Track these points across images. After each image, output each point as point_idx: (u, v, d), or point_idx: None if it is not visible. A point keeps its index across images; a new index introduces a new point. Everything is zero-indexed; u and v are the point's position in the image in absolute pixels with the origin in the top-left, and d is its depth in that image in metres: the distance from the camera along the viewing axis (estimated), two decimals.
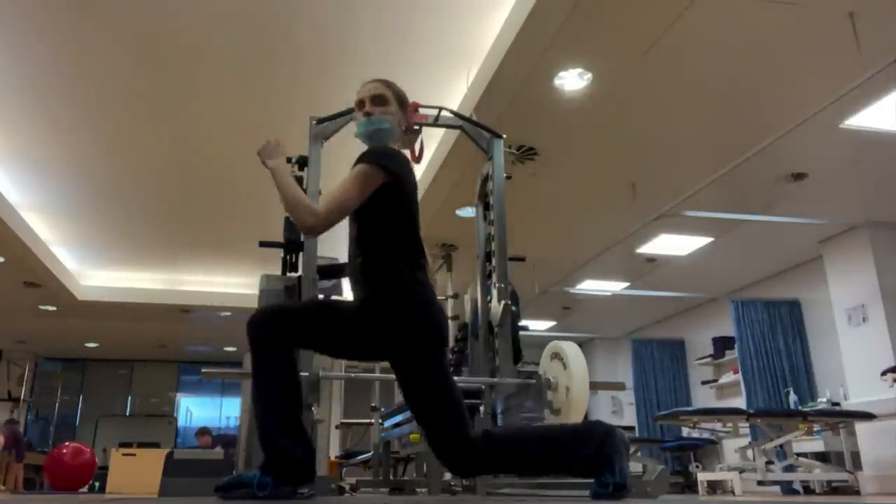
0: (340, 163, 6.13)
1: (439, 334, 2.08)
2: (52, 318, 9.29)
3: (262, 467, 1.98)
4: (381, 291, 2.06)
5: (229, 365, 11.04)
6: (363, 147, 2.18)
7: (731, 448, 7.29)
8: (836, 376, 6.75)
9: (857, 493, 5.64)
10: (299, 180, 3.39)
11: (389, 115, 2.19)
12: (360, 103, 2.21)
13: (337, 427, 7.34)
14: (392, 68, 4.49)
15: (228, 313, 9.10)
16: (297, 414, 2.05)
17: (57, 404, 11.98)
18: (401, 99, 2.25)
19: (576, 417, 3.05)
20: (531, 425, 1.99)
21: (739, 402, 7.17)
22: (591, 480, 2.01)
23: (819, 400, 6.81)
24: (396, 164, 2.10)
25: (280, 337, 2.04)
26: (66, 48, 4.30)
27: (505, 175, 3.66)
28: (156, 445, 9.38)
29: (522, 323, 3.65)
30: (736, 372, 7.81)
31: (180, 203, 6.42)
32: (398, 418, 4.09)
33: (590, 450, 1.99)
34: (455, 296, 5.12)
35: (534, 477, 2.36)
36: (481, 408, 3.29)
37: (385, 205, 2.08)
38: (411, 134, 2.43)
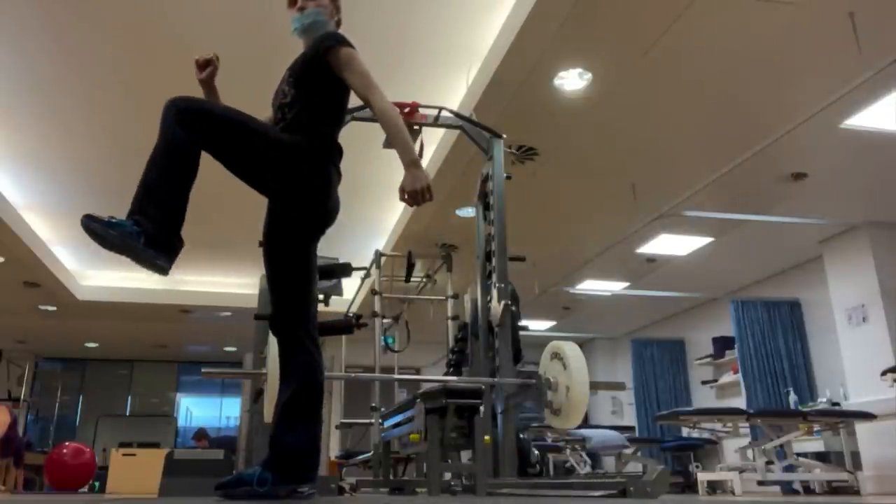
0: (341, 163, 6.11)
1: (327, 215, 2.18)
2: (52, 318, 9.29)
3: (263, 463, 1.98)
4: (311, 142, 2.12)
5: (229, 365, 11.06)
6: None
7: (731, 448, 7.30)
8: (836, 376, 6.75)
9: (857, 493, 5.64)
10: None
11: (322, 7, 2.32)
12: (292, 1, 2.36)
13: (337, 427, 7.34)
14: (392, 68, 4.50)
15: (228, 313, 9.10)
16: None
17: (57, 404, 11.98)
18: None
19: (576, 417, 3.05)
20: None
21: (739, 402, 7.17)
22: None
23: (819, 400, 6.81)
24: None
25: (197, 127, 2.11)
26: (66, 48, 4.30)
27: (505, 175, 3.66)
28: (156, 445, 9.36)
29: (522, 323, 3.65)
30: (736, 372, 7.81)
31: None
32: (398, 418, 4.09)
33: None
34: (455, 296, 5.12)
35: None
36: (481, 408, 3.29)
37: (332, 85, 2.17)
38: (411, 133, 2.47)
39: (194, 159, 2.08)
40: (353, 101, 2.31)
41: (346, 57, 2.13)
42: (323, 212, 2.15)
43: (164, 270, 2.01)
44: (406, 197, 2.07)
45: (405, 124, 2.38)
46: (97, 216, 1.89)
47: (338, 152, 2.22)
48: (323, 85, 2.17)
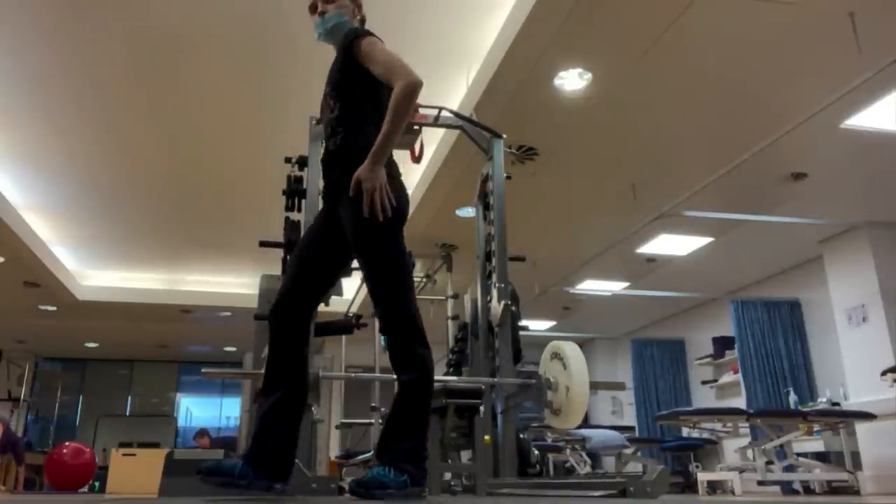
0: None
1: (406, 209, 2.15)
2: (52, 318, 9.29)
3: (245, 456, 1.99)
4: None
5: (229, 365, 11.07)
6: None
7: (731, 448, 7.30)
8: (836, 376, 6.75)
9: (857, 493, 5.64)
10: (299, 180, 3.40)
11: (342, 8, 2.30)
12: (313, 7, 2.34)
13: (337, 427, 7.34)
14: None
15: (228, 313, 9.10)
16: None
17: (57, 404, 11.98)
18: None
19: (576, 417, 3.05)
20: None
21: (739, 402, 7.17)
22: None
23: (819, 400, 6.81)
24: None
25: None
26: (66, 48, 4.30)
27: (505, 175, 3.66)
28: (156, 445, 9.36)
29: (522, 323, 3.65)
30: (736, 372, 7.81)
31: (180, 203, 6.42)
32: None
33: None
34: (455, 296, 5.12)
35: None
36: (481, 408, 3.28)
37: (371, 82, 2.13)
38: (411, 133, 2.47)
39: None
40: None
41: (366, 46, 2.10)
42: (403, 209, 2.13)
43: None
44: (356, 186, 2.00)
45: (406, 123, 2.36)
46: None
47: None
48: (360, 84, 2.15)
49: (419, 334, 2.05)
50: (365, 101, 2.15)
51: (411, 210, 6.97)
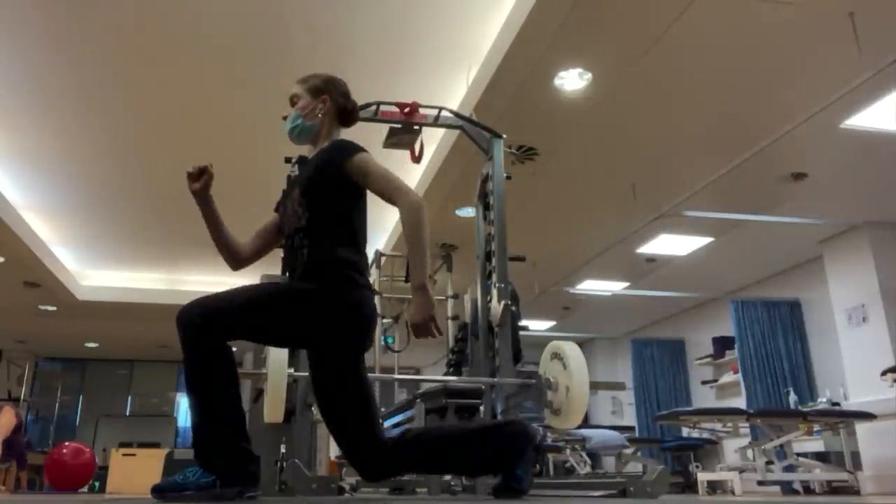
0: None
1: (366, 335, 2.06)
2: (52, 318, 9.29)
3: (205, 467, 1.89)
4: (329, 282, 2.00)
5: None
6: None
7: (731, 448, 7.30)
8: (836, 376, 6.75)
9: (857, 493, 5.64)
10: None
11: (301, 109, 2.23)
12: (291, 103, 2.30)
13: None
14: (392, 68, 4.50)
15: None
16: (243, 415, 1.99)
17: (57, 404, 11.97)
18: (315, 88, 2.25)
19: (576, 417, 3.05)
20: (442, 425, 2.00)
21: (739, 402, 7.17)
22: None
23: (819, 400, 6.81)
24: None
25: (219, 333, 1.93)
26: (66, 48, 4.30)
27: (505, 175, 3.66)
28: (156, 445, 9.37)
29: (522, 323, 3.65)
30: (736, 372, 7.81)
31: (180, 203, 6.41)
32: (398, 418, 4.09)
33: (498, 447, 2.05)
34: (455, 296, 5.11)
35: (447, 474, 2.37)
36: (481, 408, 3.29)
37: (352, 196, 2.09)
38: (411, 133, 2.45)
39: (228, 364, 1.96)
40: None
41: (361, 163, 2.04)
42: (361, 338, 2.05)
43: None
44: (410, 329, 1.97)
45: (406, 123, 2.35)
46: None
47: (362, 264, 2.09)
48: (337, 199, 2.07)
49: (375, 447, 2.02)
50: (336, 217, 2.07)
51: None
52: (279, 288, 2.10)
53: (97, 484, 8.41)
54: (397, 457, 2.02)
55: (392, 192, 1.99)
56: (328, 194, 2.08)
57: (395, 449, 2.02)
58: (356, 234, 2.11)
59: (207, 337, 1.90)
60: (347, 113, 2.28)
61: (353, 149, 2.08)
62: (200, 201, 2.17)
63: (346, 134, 2.28)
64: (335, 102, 2.24)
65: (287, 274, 2.17)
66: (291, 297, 2.00)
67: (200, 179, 2.14)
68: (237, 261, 2.32)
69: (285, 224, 2.18)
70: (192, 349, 1.90)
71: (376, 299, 5.12)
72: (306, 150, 3.26)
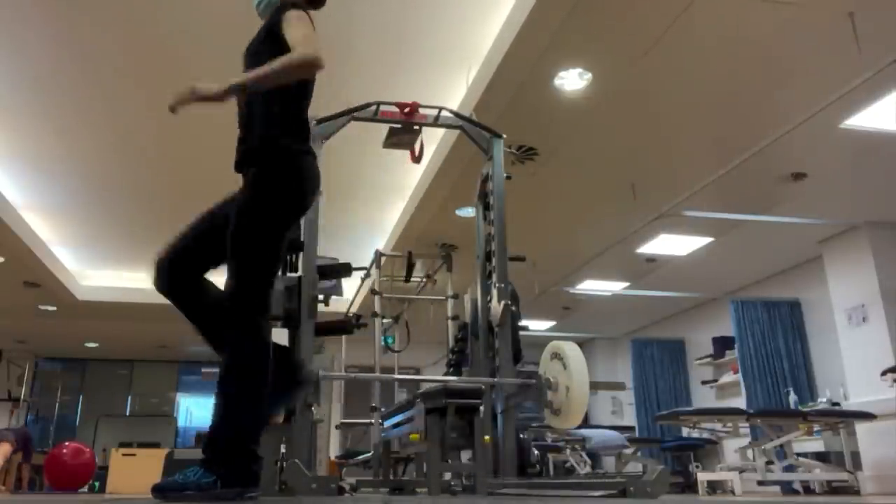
0: (341, 163, 6.16)
1: (305, 196, 2.10)
2: (52, 318, 9.29)
3: (206, 467, 1.87)
4: (266, 165, 2.08)
5: None
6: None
7: (731, 448, 7.30)
8: (836, 376, 6.75)
9: (857, 493, 5.64)
10: None
11: None
12: None
13: (337, 427, 7.34)
14: (392, 68, 4.50)
15: None
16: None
17: (57, 404, 11.97)
18: None
19: (576, 417, 3.05)
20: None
21: (739, 402, 7.17)
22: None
23: (819, 400, 6.81)
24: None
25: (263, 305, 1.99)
26: (66, 48, 4.30)
27: (505, 175, 3.66)
28: (156, 445, 9.37)
29: (522, 323, 3.65)
30: (736, 372, 7.81)
31: (180, 203, 6.42)
32: (398, 418, 4.08)
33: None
34: (455, 296, 5.11)
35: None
36: (481, 408, 3.28)
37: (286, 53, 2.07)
38: (411, 133, 2.44)
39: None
40: (351, 102, 2.31)
41: (294, 16, 2.07)
42: (299, 205, 2.09)
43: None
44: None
45: (406, 123, 2.35)
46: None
47: (302, 131, 2.15)
48: (275, 53, 2.03)
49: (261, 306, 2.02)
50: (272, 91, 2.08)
51: (411, 210, 6.94)
52: (248, 208, 2.11)
53: (97, 484, 8.41)
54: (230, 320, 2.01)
55: (300, 42, 1.98)
56: (267, 48, 2.10)
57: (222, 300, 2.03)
58: (290, 106, 2.15)
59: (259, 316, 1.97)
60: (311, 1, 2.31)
61: (293, 5, 2.11)
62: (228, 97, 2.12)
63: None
64: None
65: (240, 135, 2.23)
66: (261, 205, 2.06)
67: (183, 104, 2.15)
68: None
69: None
70: (236, 335, 1.97)
71: (376, 300, 5.13)
72: None
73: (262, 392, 1.94)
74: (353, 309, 6.16)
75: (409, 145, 3.74)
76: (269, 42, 2.12)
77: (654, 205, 5.73)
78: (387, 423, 4.36)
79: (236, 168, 2.14)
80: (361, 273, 5.37)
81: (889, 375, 5.56)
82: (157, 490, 1.85)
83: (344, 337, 6.05)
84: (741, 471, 5.62)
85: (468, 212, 5.92)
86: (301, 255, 3.25)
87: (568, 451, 7.29)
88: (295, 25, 2.04)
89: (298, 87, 2.14)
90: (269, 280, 2.05)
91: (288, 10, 2.09)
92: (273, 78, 1.95)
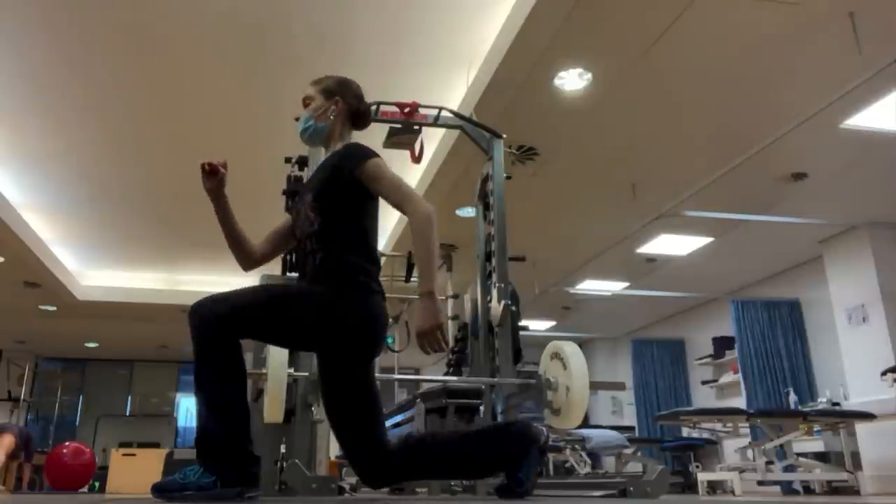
0: None
1: (378, 343, 2.07)
2: (52, 318, 9.29)
3: (205, 467, 1.88)
4: (343, 287, 2.00)
5: None
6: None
7: (731, 448, 7.29)
8: (836, 376, 6.75)
9: (857, 493, 5.64)
10: (299, 180, 3.40)
11: (314, 110, 2.21)
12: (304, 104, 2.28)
13: None
14: (392, 68, 4.50)
15: None
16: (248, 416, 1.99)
17: (57, 404, 11.97)
18: (328, 90, 2.23)
19: (576, 417, 3.05)
20: (443, 430, 2.00)
21: (739, 402, 7.17)
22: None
23: (819, 400, 6.81)
24: None
25: (236, 329, 1.94)
26: (65, 48, 4.30)
27: (505, 175, 3.66)
28: (156, 445, 9.37)
29: (522, 323, 3.65)
30: (736, 372, 7.81)
31: (180, 203, 6.42)
32: (398, 418, 4.09)
33: (500, 449, 2.05)
34: (455, 296, 5.12)
35: (451, 479, 2.36)
36: (481, 408, 3.29)
37: (364, 202, 2.08)
38: (411, 133, 2.43)
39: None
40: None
41: (373, 168, 2.02)
42: (373, 345, 2.06)
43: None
44: (416, 338, 1.91)
45: (406, 123, 2.34)
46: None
47: (374, 269, 2.11)
48: (350, 204, 2.06)
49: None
50: (348, 222, 2.06)
51: None
52: (295, 290, 2.10)
53: (97, 484, 8.41)
54: (399, 462, 2.01)
55: (402, 201, 1.98)
56: (340, 199, 2.06)
57: (396, 454, 2.01)
58: (368, 239, 2.11)
59: (223, 333, 1.91)
60: (360, 115, 2.27)
61: (367, 153, 2.07)
62: (215, 200, 2.17)
63: (357, 136, 2.27)
64: (348, 104, 2.23)
65: (299, 278, 2.17)
66: (307, 300, 2.00)
67: (216, 178, 2.14)
68: (249, 261, 2.29)
69: (297, 228, 2.16)
70: (206, 344, 1.91)
71: None
72: (307, 151, 3.25)
73: (243, 390, 1.96)
74: None
75: (409, 145, 3.74)
76: (343, 190, 2.06)
77: (654, 205, 5.73)
78: (387, 423, 4.36)
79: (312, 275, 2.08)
80: None
81: (889, 375, 5.55)
82: (157, 490, 1.86)
83: None
84: (741, 471, 5.61)
85: (468, 212, 5.92)
86: None
87: (568, 451, 7.29)
88: (384, 181, 2.02)
89: (372, 204, 2.11)
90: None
91: (363, 162, 2.04)
92: (435, 256, 1.97)
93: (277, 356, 2.79)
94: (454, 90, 4.65)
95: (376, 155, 2.07)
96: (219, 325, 1.90)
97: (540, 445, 2.05)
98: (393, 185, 2.01)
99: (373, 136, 3.97)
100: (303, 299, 2.01)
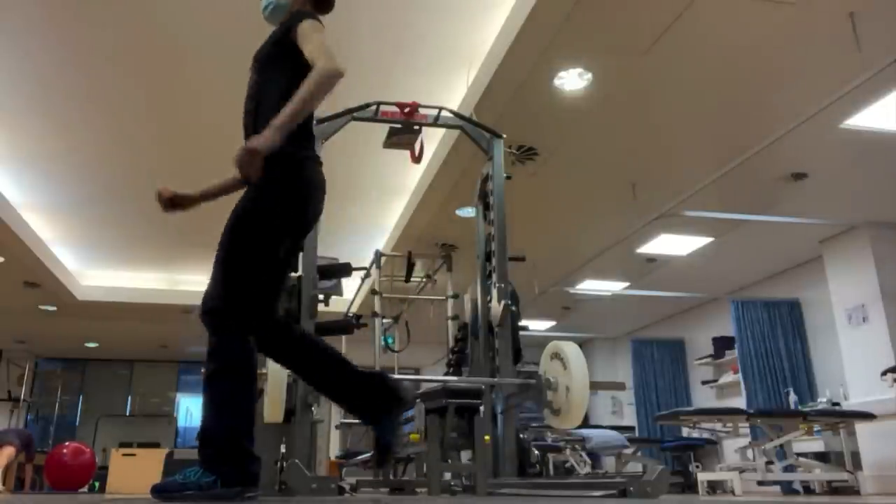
0: (341, 163, 6.16)
1: (307, 210, 2.06)
2: (52, 318, 9.29)
3: (206, 467, 1.88)
4: (274, 165, 2.01)
5: None
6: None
7: (731, 448, 7.29)
8: (836, 376, 6.75)
9: (857, 493, 5.64)
10: None
11: None
12: None
13: (337, 427, 7.32)
14: (392, 68, 4.50)
15: None
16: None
17: (57, 404, 11.98)
18: None
19: (576, 417, 3.06)
20: (337, 354, 2.01)
21: (739, 402, 7.17)
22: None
23: (819, 400, 6.81)
24: None
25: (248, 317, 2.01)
26: (66, 48, 4.30)
27: (505, 175, 3.66)
28: (156, 445, 9.37)
29: (522, 323, 3.65)
30: (736, 372, 7.81)
31: None
32: None
33: (371, 399, 2.05)
34: (455, 296, 5.11)
35: (314, 387, 2.36)
36: (481, 408, 3.29)
37: (299, 66, 2.05)
38: (411, 133, 2.45)
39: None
40: (350, 102, 2.31)
41: (308, 27, 2.05)
42: (302, 212, 2.05)
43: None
44: (237, 153, 1.96)
45: (406, 123, 2.34)
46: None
47: (307, 137, 2.12)
48: (287, 63, 2.07)
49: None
50: (286, 79, 2.06)
51: (411, 210, 6.92)
52: (240, 209, 2.07)
53: (97, 484, 8.41)
54: (292, 339, 2.04)
55: (318, 55, 1.97)
56: (279, 57, 2.10)
57: (293, 332, 2.05)
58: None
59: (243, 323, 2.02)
60: (318, 4, 2.32)
61: (306, 15, 2.10)
62: (199, 203, 2.25)
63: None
64: None
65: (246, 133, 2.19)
66: (257, 212, 2.02)
67: (181, 208, 2.28)
68: None
69: (245, 103, 2.21)
70: (224, 338, 2.03)
71: (376, 300, 5.13)
72: None
73: (252, 391, 1.98)
74: (354, 309, 6.16)
75: (410, 145, 3.75)
76: (281, 49, 2.10)
77: (654, 205, 5.73)
78: None
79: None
80: (361, 273, 5.37)
81: (889, 375, 5.55)
82: (157, 490, 1.86)
83: (344, 337, 6.05)
84: (741, 471, 5.62)
85: (468, 212, 5.92)
86: (301, 254, 3.25)
87: (568, 451, 7.29)
88: (310, 37, 2.03)
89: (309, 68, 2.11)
90: (266, 289, 2.05)
91: (301, 21, 2.07)
92: (307, 105, 1.94)
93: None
94: (454, 90, 4.65)
95: (318, 20, 2.10)
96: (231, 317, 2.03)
97: (400, 401, 2.05)
98: (316, 42, 2.01)
99: (372, 137, 3.99)
100: (254, 216, 2.02)
